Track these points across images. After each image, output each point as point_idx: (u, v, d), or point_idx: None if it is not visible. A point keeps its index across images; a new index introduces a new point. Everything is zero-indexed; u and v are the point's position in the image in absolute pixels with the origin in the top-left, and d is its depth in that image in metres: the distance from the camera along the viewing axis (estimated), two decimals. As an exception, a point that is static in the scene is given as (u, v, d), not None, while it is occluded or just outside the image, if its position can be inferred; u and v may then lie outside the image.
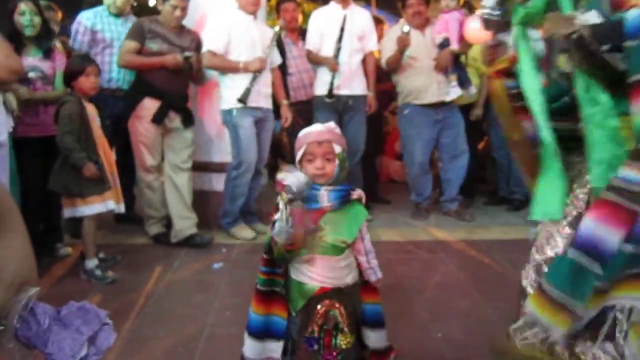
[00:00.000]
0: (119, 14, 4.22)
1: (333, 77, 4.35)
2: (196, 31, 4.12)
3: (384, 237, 4.18)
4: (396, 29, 4.70)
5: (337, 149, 1.86)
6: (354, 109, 4.48)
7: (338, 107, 4.45)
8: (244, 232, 4.08)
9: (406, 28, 4.34)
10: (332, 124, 1.91)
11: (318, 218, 1.82)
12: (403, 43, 4.36)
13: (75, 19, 4.25)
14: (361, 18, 4.50)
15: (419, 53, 4.50)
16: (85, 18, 4.18)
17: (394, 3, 4.91)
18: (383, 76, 4.84)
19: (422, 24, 4.57)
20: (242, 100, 3.87)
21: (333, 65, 4.32)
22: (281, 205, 1.66)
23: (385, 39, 4.77)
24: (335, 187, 1.84)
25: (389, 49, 4.55)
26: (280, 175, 1.76)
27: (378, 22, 5.31)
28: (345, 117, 4.48)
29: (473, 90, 4.60)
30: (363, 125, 4.56)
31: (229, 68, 3.93)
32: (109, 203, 3.30)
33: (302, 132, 1.91)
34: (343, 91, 4.42)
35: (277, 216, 1.68)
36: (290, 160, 5.21)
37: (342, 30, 4.33)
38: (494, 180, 5.46)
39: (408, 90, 4.61)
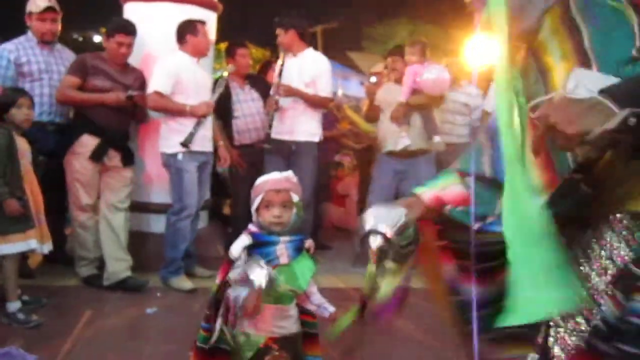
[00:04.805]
0: (52, 41, 4.03)
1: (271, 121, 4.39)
2: (141, 69, 4.07)
3: (325, 284, 4.11)
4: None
5: (295, 197, 1.87)
6: (298, 155, 4.40)
7: (283, 153, 4.44)
8: (182, 283, 3.86)
9: (373, 79, 4.51)
10: (290, 173, 1.92)
11: (272, 268, 1.81)
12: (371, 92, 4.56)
13: None
14: (310, 65, 4.45)
15: (381, 102, 4.68)
16: (7, 51, 3.89)
17: (344, 54, 5.07)
18: (331, 124, 4.95)
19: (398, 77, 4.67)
20: (185, 144, 3.81)
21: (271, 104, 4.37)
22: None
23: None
24: (292, 237, 1.85)
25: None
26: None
27: None
28: (290, 163, 4.33)
29: (437, 139, 4.58)
30: (307, 173, 4.31)
31: (175, 110, 3.85)
32: (31, 242, 3.13)
33: (260, 180, 1.91)
34: (285, 137, 4.43)
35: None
36: (233, 199, 5.12)
37: (279, 76, 4.38)
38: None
39: (379, 139, 4.79)
